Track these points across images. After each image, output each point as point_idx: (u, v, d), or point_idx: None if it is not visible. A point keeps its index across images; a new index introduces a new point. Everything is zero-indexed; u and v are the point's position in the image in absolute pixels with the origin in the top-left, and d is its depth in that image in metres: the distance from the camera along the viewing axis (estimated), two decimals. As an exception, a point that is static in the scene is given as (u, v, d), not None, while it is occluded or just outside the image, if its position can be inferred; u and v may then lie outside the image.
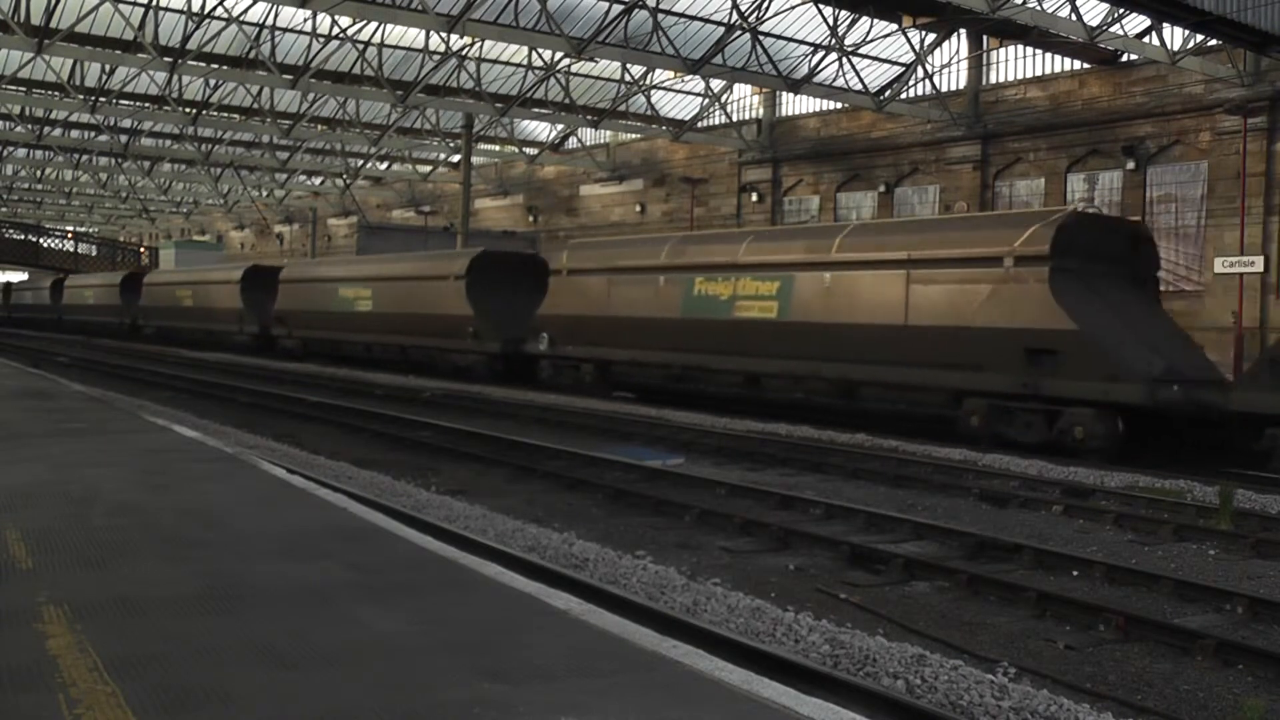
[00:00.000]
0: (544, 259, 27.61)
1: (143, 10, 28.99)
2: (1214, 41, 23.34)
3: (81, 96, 34.43)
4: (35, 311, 69.39)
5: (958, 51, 31.94)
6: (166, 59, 29.79)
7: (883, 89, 32.76)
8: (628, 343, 23.07)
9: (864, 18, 29.80)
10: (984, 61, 31.78)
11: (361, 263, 37.99)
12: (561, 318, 24.95)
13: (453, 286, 28.98)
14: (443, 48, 33.00)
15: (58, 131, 44.45)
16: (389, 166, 52.15)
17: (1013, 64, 31.37)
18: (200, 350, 40.75)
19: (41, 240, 73.67)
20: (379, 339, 32.85)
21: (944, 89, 31.85)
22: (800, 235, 22.48)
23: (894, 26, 30.28)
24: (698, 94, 37.86)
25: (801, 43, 32.12)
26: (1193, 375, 15.62)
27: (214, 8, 28.92)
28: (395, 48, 33.89)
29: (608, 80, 37.23)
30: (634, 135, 42.30)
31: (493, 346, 27.50)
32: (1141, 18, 24.24)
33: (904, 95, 32.80)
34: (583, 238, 36.75)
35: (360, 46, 31.52)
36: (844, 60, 31.29)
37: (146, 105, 39.52)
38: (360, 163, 50.20)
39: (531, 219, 48.54)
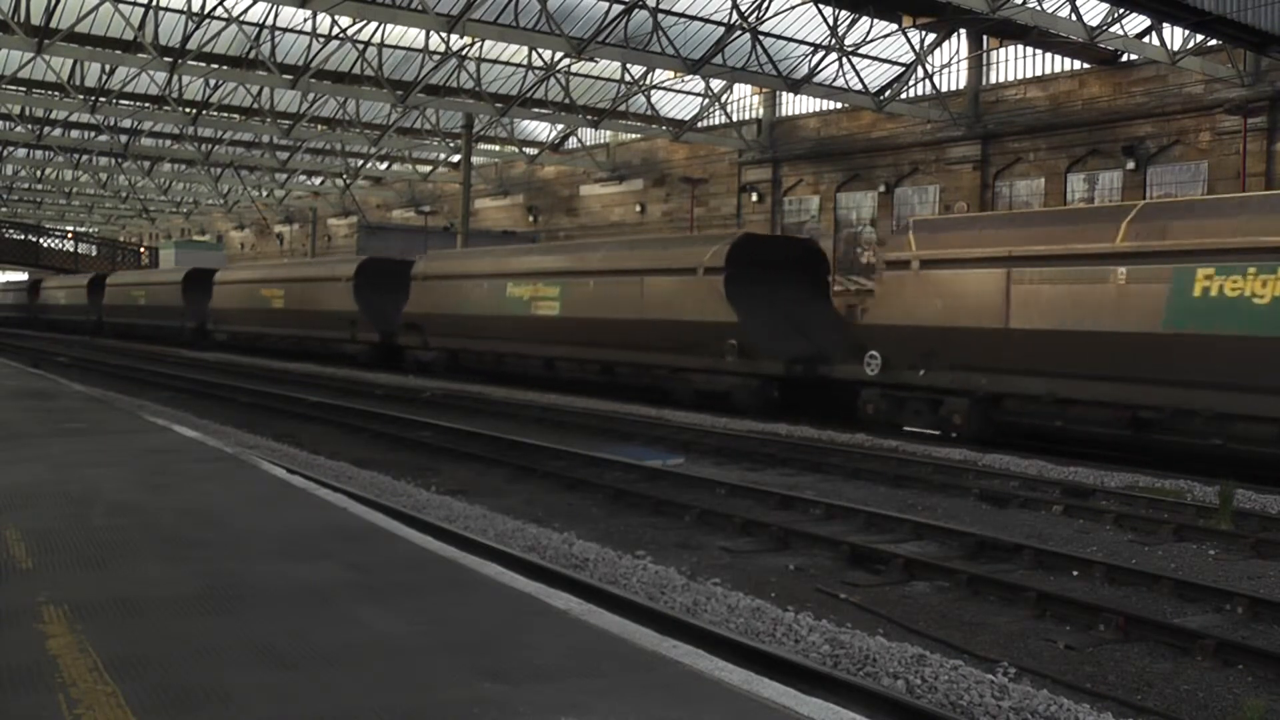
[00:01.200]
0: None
1: (143, 10, 28.98)
2: (1214, 41, 23.33)
3: (81, 96, 34.42)
4: (68, 313, 62.78)
5: (958, 51, 31.94)
6: (166, 59, 29.79)
7: (883, 89, 32.76)
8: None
9: (864, 18, 29.78)
10: (984, 61, 31.78)
11: (542, 252, 30.19)
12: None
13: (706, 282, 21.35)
14: (443, 48, 32.99)
15: (58, 131, 44.44)
16: (389, 166, 52.14)
17: (1013, 64, 31.37)
18: (299, 361, 34.34)
19: (41, 240, 73.60)
20: (572, 352, 24.50)
21: (944, 89, 31.85)
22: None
23: (894, 26, 30.26)
24: (698, 94, 37.86)
25: (801, 43, 32.11)
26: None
27: (214, 8, 28.90)
28: (395, 48, 33.88)
29: (608, 80, 37.22)
30: (634, 135, 42.29)
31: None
32: (1141, 18, 24.24)
33: (904, 95, 32.80)
34: (584, 238, 37.00)
35: (360, 46, 31.51)
36: (844, 60, 31.29)
37: (146, 105, 39.51)
38: (360, 163, 50.19)
39: (531, 219, 48.54)
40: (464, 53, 33.71)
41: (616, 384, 23.39)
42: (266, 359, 35.34)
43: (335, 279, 34.32)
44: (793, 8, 29.34)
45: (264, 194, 61.60)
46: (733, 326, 20.42)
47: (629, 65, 32.85)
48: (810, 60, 31.88)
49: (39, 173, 58.81)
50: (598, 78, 37.53)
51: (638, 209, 42.82)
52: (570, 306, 24.67)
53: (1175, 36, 25.07)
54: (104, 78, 34.99)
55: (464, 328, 28.19)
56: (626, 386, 23.11)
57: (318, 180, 55.87)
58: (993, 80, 31.80)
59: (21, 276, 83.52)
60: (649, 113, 37.96)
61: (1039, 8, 25.16)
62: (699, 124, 38.18)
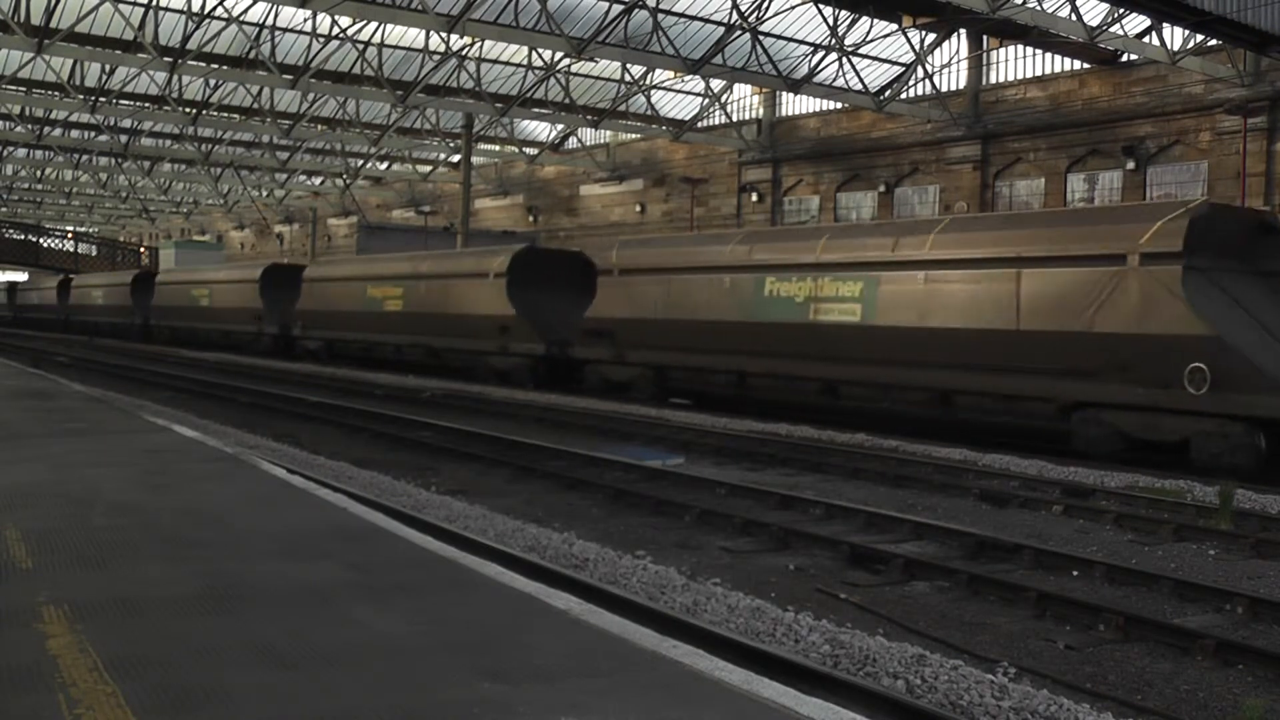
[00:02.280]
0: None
1: (143, 10, 28.99)
2: (1214, 41, 23.34)
3: (81, 96, 34.43)
4: (106, 315, 55.33)
5: (958, 51, 31.95)
6: (166, 59, 29.80)
7: (883, 89, 32.77)
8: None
9: (864, 18, 29.80)
10: (984, 61, 31.78)
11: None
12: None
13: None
14: (443, 48, 33.00)
15: (58, 131, 44.46)
16: (389, 166, 52.16)
17: (1013, 64, 31.38)
18: (425, 375, 28.55)
19: (41, 240, 73.60)
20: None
21: (944, 89, 31.86)
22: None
23: (894, 26, 30.28)
24: (698, 94, 37.87)
25: (801, 43, 32.13)
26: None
27: (214, 8, 28.92)
28: (395, 48, 33.90)
29: (608, 80, 37.24)
30: (634, 135, 42.31)
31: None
32: (1141, 18, 24.25)
33: (904, 95, 32.81)
34: (585, 238, 37.12)
35: (360, 46, 31.53)
36: (844, 60, 31.30)
37: (146, 105, 39.53)
38: (360, 163, 50.21)
39: (531, 219, 48.55)
40: (464, 53, 33.72)
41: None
42: (372, 371, 29.50)
43: (480, 274, 28.20)
44: (793, 8, 29.35)
45: (264, 194, 61.61)
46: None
47: (629, 65, 32.86)
48: (810, 60, 31.90)
49: (39, 173, 58.82)
50: (598, 78, 37.54)
51: (638, 209, 42.83)
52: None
53: (1175, 36, 25.08)
54: (104, 78, 35.01)
55: (686, 337, 21.52)
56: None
57: (318, 180, 55.89)
58: (993, 80, 31.80)
59: (25, 273, 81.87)
60: (649, 113, 37.97)
61: (1039, 8, 25.17)
62: (699, 124, 38.19)
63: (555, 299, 26.38)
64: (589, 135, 43.71)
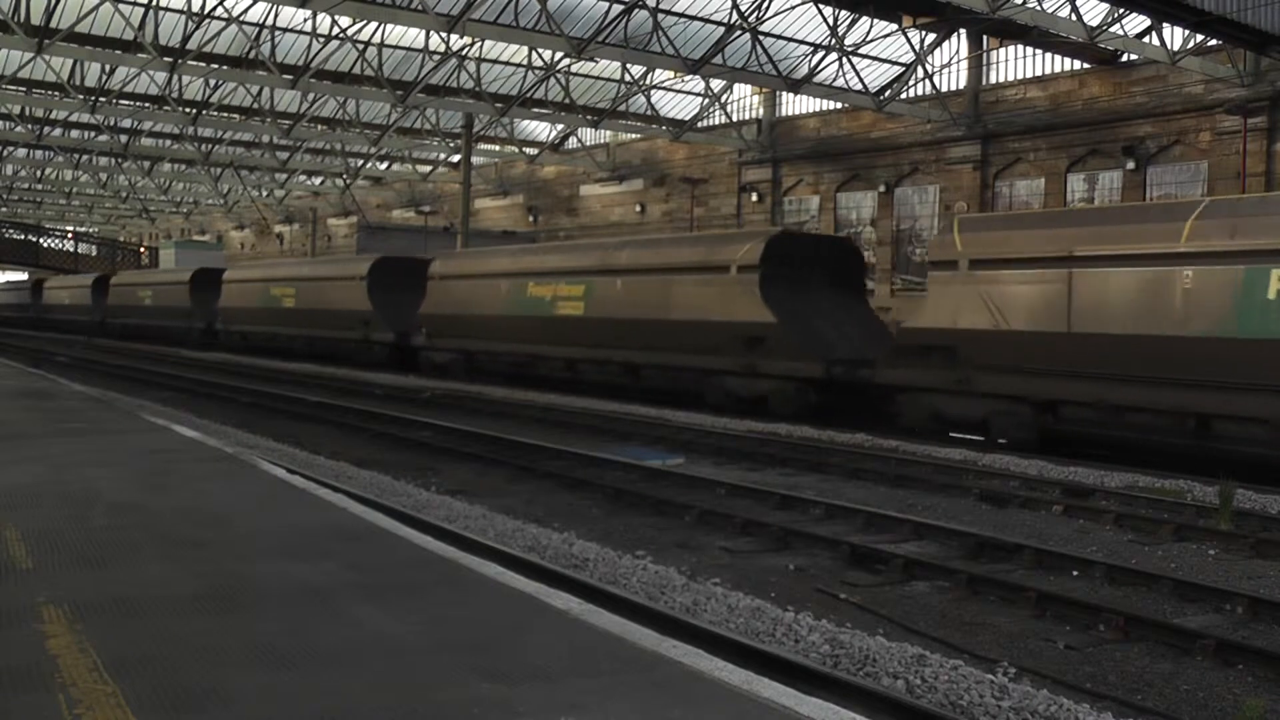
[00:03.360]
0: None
1: (143, 10, 28.97)
2: (1214, 41, 23.33)
3: (81, 96, 34.42)
4: (158, 318, 48.89)
5: (958, 51, 31.94)
6: (166, 59, 29.78)
7: (883, 89, 32.76)
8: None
9: (864, 18, 29.78)
10: (984, 61, 31.77)
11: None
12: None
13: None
14: (443, 48, 32.98)
15: (58, 131, 44.43)
16: (389, 166, 52.14)
17: (1013, 64, 31.36)
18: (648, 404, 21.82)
19: (41, 240, 73.57)
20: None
21: (944, 89, 31.84)
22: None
23: (894, 26, 30.27)
24: (698, 94, 37.85)
25: (801, 43, 32.12)
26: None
27: (214, 8, 28.90)
28: (395, 48, 33.88)
29: (608, 80, 37.22)
30: (634, 135, 42.29)
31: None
32: (1141, 18, 24.23)
33: (904, 95, 32.79)
34: (584, 238, 37.16)
35: (360, 46, 31.51)
36: (844, 60, 31.29)
37: (146, 105, 39.51)
38: (360, 163, 50.19)
39: (531, 219, 48.55)
40: (464, 53, 33.70)
41: None
42: (531, 391, 24.05)
43: (721, 266, 21.31)
44: (793, 8, 29.33)
45: (264, 194, 61.59)
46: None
47: (629, 65, 32.84)
48: (810, 60, 31.88)
49: (39, 173, 58.80)
50: (598, 78, 37.53)
51: (638, 209, 42.83)
52: None
53: (1175, 36, 25.06)
54: (104, 78, 34.98)
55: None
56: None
57: (318, 180, 55.87)
58: (993, 80, 31.79)
59: (38, 272, 77.16)
60: (649, 113, 37.96)
61: (1039, 8, 25.15)
62: (699, 124, 38.18)
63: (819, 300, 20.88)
64: (589, 135, 43.69)
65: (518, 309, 26.42)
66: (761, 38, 30.50)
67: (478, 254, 32.19)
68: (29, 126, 42.42)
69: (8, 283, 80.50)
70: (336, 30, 30.12)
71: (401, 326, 31.73)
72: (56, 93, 36.34)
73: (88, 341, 49.06)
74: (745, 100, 38.92)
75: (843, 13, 29.74)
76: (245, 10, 30.11)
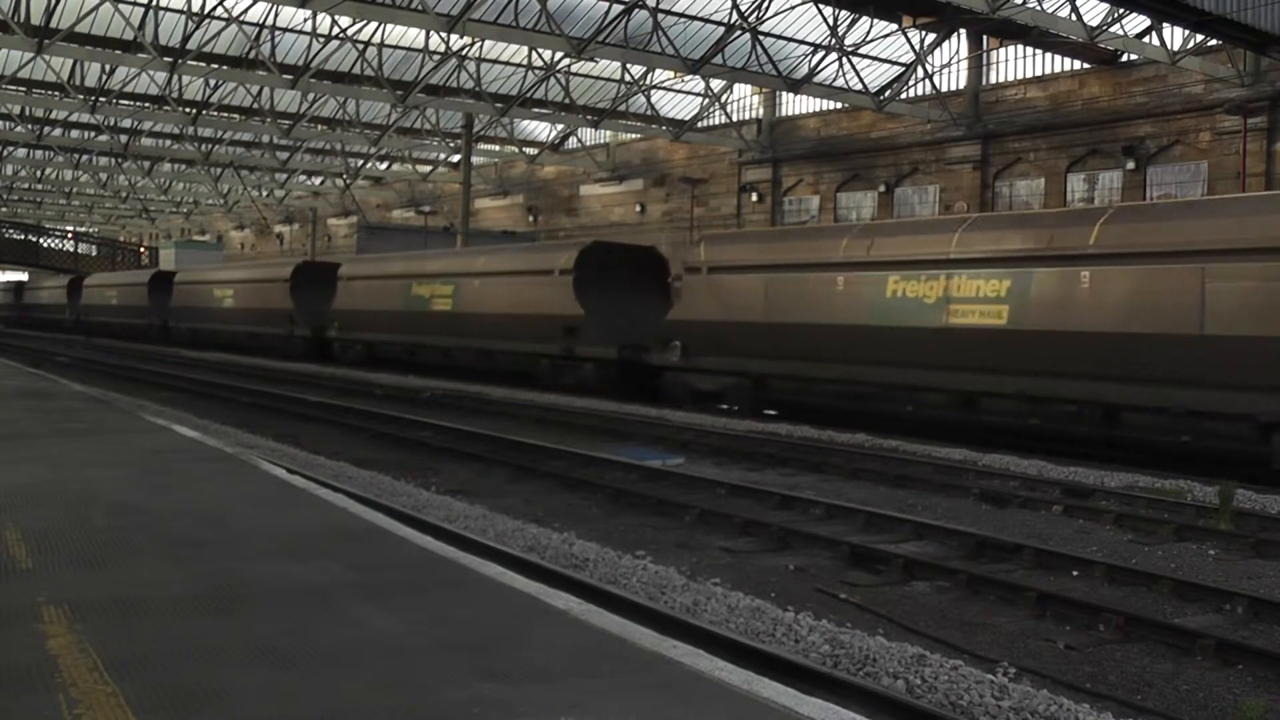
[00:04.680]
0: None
1: (143, 10, 28.97)
2: (1214, 41, 23.34)
3: (81, 96, 34.42)
4: (240, 321, 41.10)
5: (958, 51, 31.94)
6: (166, 59, 29.78)
7: (883, 89, 32.76)
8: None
9: (864, 18, 29.78)
10: (984, 61, 31.78)
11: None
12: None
13: None
14: (443, 48, 32.98)
15: (58, 131, 44.44)
16: (389, 166, 52.14)
17: (1013, 64, 31.37)
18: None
19: (41, 240, 73.57)
20: None
21: (944, 89, 31.84)
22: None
23: (894, 26, 30.27)
24: (698, 94, 37.85)
25: (801, 43, 32.11)
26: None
27: (214, 8, 28.90)
28: (395, 48, 33.88)
29: (608, 80, 37.21)
30: (634, 135, 42.30)
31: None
32: (1141, 18, 24.24)
33: (904, 95, 32.79)
34: (583, 238, 37.16)
35: (360, 46, 31.51)
36: (844, 60, 31.29)
37: (146, 105, 39.52)
38: (360, 163, 50.19)
39: (531, 219, 48.55)
40: (464, 53, 33.70)
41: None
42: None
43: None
44: (793, 8, 29.33)
45: (264, 194, 61.60)
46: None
47: (629, 65, 32.84)
48: (810, 60, 31.88)
49: (39, 173, 58.80)
50: (598, 78, 37.53)
51: (638, 209, 42.83)
52: None
53: (1175, 36, 25.06)
54: (104, 78, 34.98)
55: None
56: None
57: (318, 180, 55.87)
58: (993, 80, 31.79)
59: (115, 267, 68.41)
60: (649, 113, 37.96)
61: (1039, 8, 25.16)
62: (699, 124, 38.18)
63: None
64: (589, 135, 43.69)
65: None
66: (761, 38, 30.50)
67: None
68: (29, 126, 42.42)
69: (98, 277, 75.14)
70: (336, 30, 30.12)
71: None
72: (56, 93, 36.34)
73: (154, 352, 43.34)
74: (745, 100, 38.92)
75: (843, 13, 29.74)
76: (245, 10, 30.11)
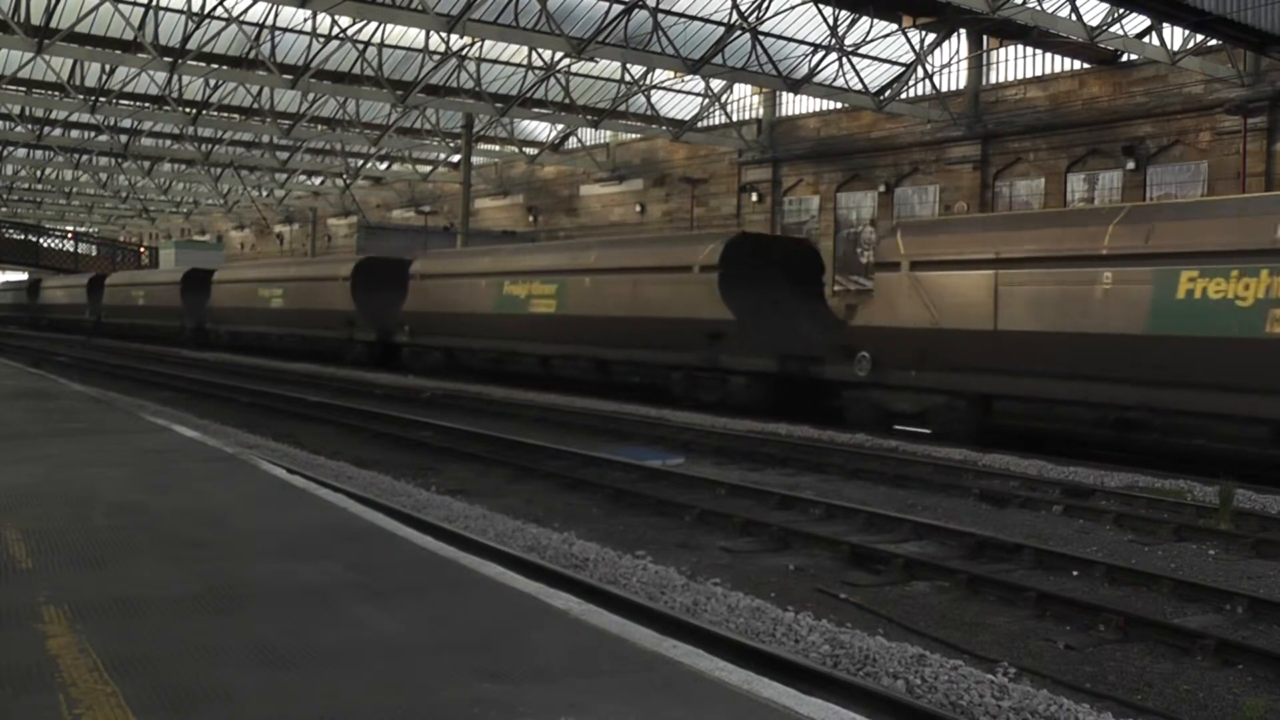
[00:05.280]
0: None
1: (143, 10, 28.97)
2: (1214, 41, 23.33)
3: (81, 96, 34.41)
4: (297, 324, 36.91)
5: (958, 51, 31.93)
6: (166, 59, 29.78)
7: (883, 89, 32.76)
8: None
9: (864, 18, 29.78)
10: (984, 61, 31.77)
11: None
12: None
13: None
14: (443, 48, 32.99)
15: (58, 131, 44.43)
16: (389, 166, 52.14)
17: (1013, 64, 31.36)
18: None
19: (41, 240, 73.56)
20: None
21: (944, 89, 31.84)
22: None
23: (894, 26, 30.27)
24: (698, 94, 37.85)
25: (801, 43, 32.11)
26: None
27: (214, 8, 28.90)
28: (395, 48, 33.88)
29: (608, 80, 37.22)
30: (634, 135, 42.30)
31: None
32: (1141, 18, 24.23)
33: (904, 95, 32.79)
34: (584, 238, 37.20)
35: (360, 46, 31.51)
36: (844, 60, 31.29)
37: (146, 105, 39.51)
38: (360, 163, 50.19)
39: (531, 219, 48.55)
40: (464, 53, 33.70)
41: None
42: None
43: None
44: (793, 8, 29.33)
45: (264, 194, 61.58)
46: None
47: (629, 65, 32.84)
48: (810, 60, 31.88)
49: (39, 173, 58.78)
50: (598, 78, 37.53)
51: (638, 209, 42.82)
52: None
53: (1175, 36, 25.06)
54: (104, 78, 34.98)
55: None
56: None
57: (318, 180, 55.86)
58: (993, 80, 31.79)
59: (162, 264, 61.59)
60: (649, 113, 37.96)
61: (1039, 8, 25.15)
62: (699, 124, 38.18)
63: None
64: (589, 135, 43.69)
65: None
66: (761, 38, 30.50)
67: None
68: (29, 126, 42.41)
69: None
70: (336, 30, 30.12)
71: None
72: (56, 93, 36.34)
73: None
74: (745, 100, 38.92)
75: (843, 13, 29.74)
76: (245, 10, 30.10)
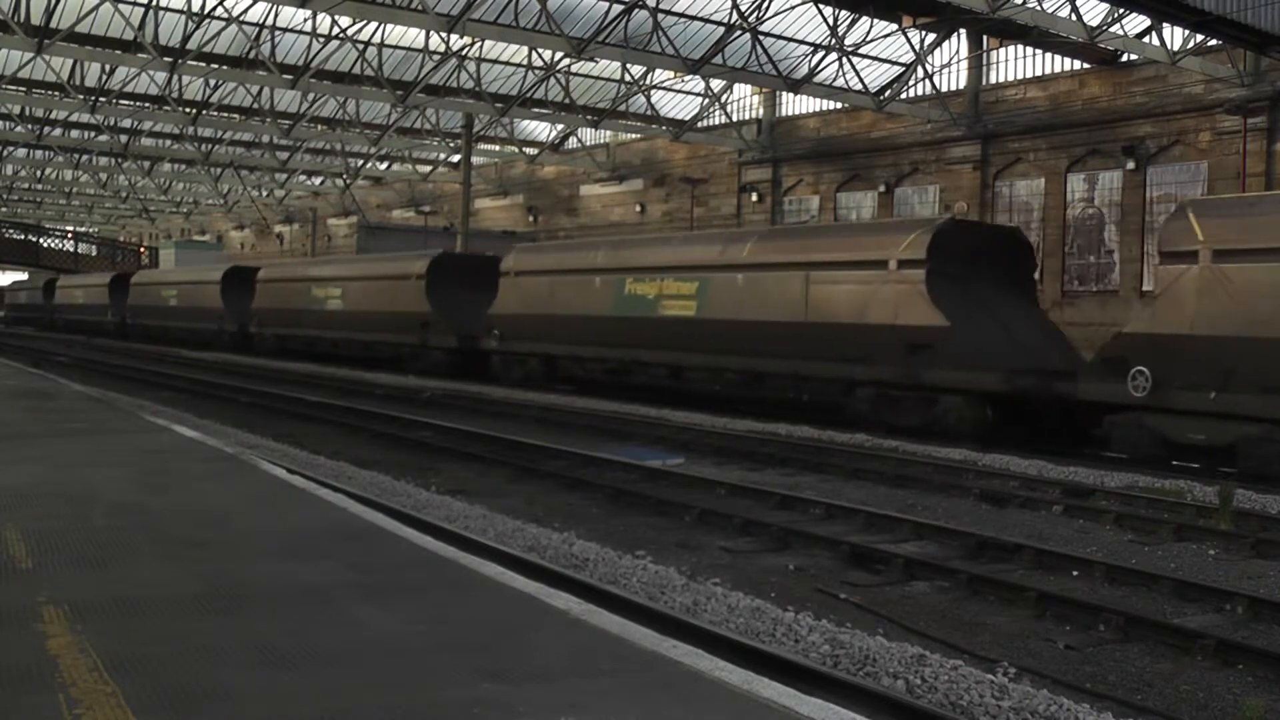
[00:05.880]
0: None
1: (143, 10, 28.97)
2: (1214, 41, 23.32)
3: (81, 96, 34.40)
4: (348, 328, 33.86)
5: (958, 51, 31.92)
6: (166, 59, 29.77)
7: (883, 89, 32.75)
8: None
9: (864, 18, 29.77)
10: (984, 61, 31.76)
11: None
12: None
13: None
14: (443, 48, 32.97)
15: (58, 131, 44.41)
16: (389, 166, 52.13)
17: (1013, 64, 31.35)
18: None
19: (41, 240, 73.56)
20: None
21: (944, 89, 31.83)
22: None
23: (894, 26, 30.25)
24: (698, 94, 37.84)
25: (801, 43, 32.10)
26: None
27: (214, 8, 28.90)
28: (395, 48, 33.87)
29: (608, 80, 37.21)
30: (634, 135, 42.28)
31: None
32: (1141, 18, 24.22)
33: (904, 95, 32.78)
34: (583, 238, 37.13)
35: (360, 46, 31.51)
36: (844, 60, 31.28)
37: (146, 105, 39.49)
38: (360, 163, 50.18)
39: (531, 219, 48.55)
40: (464, 53, 33.70)
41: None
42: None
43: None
44: (793, 8, 29.32)
45: (264, 194, 61.57)
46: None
47: (629, 65, 32.83)
48: (810, 60, 31.86)
49: (39, 173, 58.77)
50: (598, 78, 37.52)
51: (638, 209, 42.83)
52: None
53: (1175, 36, 25.05)
54: (104, 78, 34.97)
55: None
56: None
57: (318, 180, 55.85)
58: (993, 80, 31.78)
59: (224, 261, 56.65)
60: (649, 113, 37.95)
61: (1039, 8, 25.14)
62: (699, 124, 38.17)
63: None
64: (589, 135, 43.68)
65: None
66: (761, 38, 30.49)
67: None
68: (29, 126, 42.40)
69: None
70: (336, 30, 30.11)
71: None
72: (56, 93, 36.33)
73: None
74: (745, 100, 38.91)
75: (843, 13, 29.72)
76: (245, 10, 30.10)
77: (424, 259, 30.04)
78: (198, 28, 29.44)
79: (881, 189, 33.58)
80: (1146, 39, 25.72)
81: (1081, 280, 28.38)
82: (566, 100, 36.36)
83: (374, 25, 31.29)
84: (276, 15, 30.43)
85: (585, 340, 23.70)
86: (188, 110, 38.02)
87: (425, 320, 28.34)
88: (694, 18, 30.53)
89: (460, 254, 32.15)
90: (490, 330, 26.29)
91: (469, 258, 31.28)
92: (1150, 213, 27.02)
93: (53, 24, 27.77)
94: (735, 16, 29.47)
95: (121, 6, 28.67)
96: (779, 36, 31.82)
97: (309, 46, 31.73)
